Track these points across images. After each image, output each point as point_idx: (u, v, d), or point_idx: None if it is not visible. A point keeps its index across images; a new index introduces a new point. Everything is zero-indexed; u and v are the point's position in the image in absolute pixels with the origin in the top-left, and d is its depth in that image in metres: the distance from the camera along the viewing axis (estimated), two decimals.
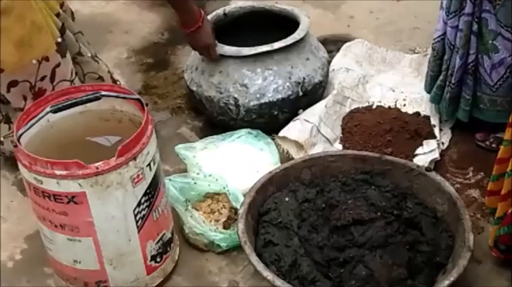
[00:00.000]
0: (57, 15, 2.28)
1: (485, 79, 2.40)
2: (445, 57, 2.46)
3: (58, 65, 2.21)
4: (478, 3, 2.27)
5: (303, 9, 2.82)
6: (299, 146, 2.48)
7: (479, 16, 2.29)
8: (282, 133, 2.51)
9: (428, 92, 2.61)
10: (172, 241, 2.10)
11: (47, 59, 2.18)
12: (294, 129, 2.51)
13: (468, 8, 2.28)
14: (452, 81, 2.43)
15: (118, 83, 2.48)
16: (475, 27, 2.31)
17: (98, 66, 2.42)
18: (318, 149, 2.45)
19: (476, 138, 2.55)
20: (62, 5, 2.33)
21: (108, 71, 2.48)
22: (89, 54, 2.40)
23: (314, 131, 2.51)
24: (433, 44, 2.51)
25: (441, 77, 2.50)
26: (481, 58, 2.37)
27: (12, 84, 2.19)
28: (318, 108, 2.59)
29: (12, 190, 2.50)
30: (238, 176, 2.28)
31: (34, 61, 2.16)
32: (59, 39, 2.23)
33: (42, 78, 2.19)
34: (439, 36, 2.47)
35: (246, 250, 1.93)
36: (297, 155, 2.43)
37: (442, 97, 2.52)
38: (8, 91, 2.19)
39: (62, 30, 2.28)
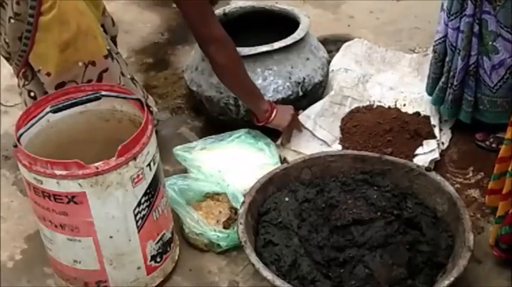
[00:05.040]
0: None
1: (485, 80, 2.39)
2: (447, 59, 2.46)
3: (106, 70, 2.17)
4: (479, 4, 2.26)
5: (303, 9, 2.82)
6: (295, 149, 2.49)
7: (480, 17, 2.29)
8: (278, 142, 2.51)
9: (430, 94, 2.61)
10: (172, 241, 2.10)
11: (93, 63, 2.14)
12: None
13: (469, 10, 2.28)
14: (454, 83, 2.43)
15: (150, 109, 2.45)
16: (476, 28, 2.30)
17: (134, 87, 2.39)
18: (315, 151, 2.43)
19: (476, 138, 2.55)
20: (104, 12, 2.32)
21: (143, 96, 2.48)
22: (129, 76, 2.38)
23: (307, 137, 2.53)
24: (434, 46, 2.51)
25: (443, 79, 2.50)
26: (481, 59, 2.36)
27: (60, 86, 2.14)
28: (313, 111, 2.59)
29: (12, 190, 2.50)
30: (238, 176, 2.28)
31: (80, 63, 2.12)
32: (108, 47, 2.20)
33: (89, 81, 2.15)
34: (440, 38, 2.46)
35: (246, 250, 1.93)
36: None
37: (444, 99, 2.52)
38: None
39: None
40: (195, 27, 2.23)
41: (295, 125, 2.52)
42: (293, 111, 2.48)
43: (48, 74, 2.12)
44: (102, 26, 2.30)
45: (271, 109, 2.42)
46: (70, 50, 2.09)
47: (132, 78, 2.42)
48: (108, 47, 2.20)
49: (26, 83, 2.20)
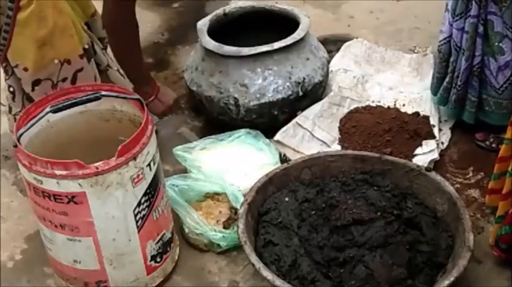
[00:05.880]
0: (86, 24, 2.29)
1: (491, 81, 2.39)
2: (451, 59, 2.46)
3: (80, 69, 2.17)
4: (484, 5, 2.26)
5: (303, 9, 2.82)
6: (295, 148, 2.49)
7: (485, 18, 2.29)
8: (276, 137, 2.51)
9: (435, 94, 2.61)
10: (172, 241, 2.10)
11: (68, 62, 2.14)
12: (287, 136, 2.52)
13: (474, 10, 2.28)
14: (458, 83, 2.43)
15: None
16: (480, 29, 2.30)
17: (124, 81, 2.41)
18: (314, 151, 2.44)
19: (476, 138, 2.55)
20: (93, 15, 2.34)
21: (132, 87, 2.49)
22: (115, 68, 2.40)
23: (307, 137, 2.53)
24: (439, 46, 2.51)
25: (447, 79, 2.50)
26: (487, 60, 2.36)
27: (36, 83, 2.15)
28: (312, 113, 2.60)
29: (12, 190, 2.50)
30: (238, 176, 2.28)
31: (56, 61, 2.13)
32: (86, 46, 2.21)
33: (64, 80, 2.16)
34: (445, 39, 2.46)
35: (246, 250, 1.93)
36: (294, 158, 2.43)
37: (448, 99, 2.52)
38: (33, 90, 2.16)
39: (92, 42, 2.28)
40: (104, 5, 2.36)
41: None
42: (170, 104, 2.67)
43: (26, 69, 2.13)
44: (88, 25, 2.30)
45: (149, 96, 2.56)
46: (46, 47, 2.10)
47: (118, 70, 2.43)
48: (87, 46, 2.21)
49: (6, 77, 2.22)
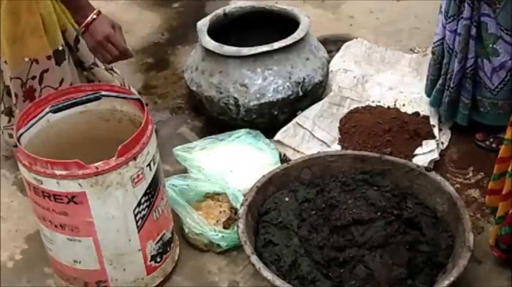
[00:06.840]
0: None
1: (485, 83, 2.39)
2: (444, 61, 2.46)
3: (46, 70, 2.22)
4: (477, 7, 2.26)
5: (303, 9, 2.82)
6: (295, 148, 2.49)
7: (478, 20, 2.29)
8: (276, 137, 2.51)
9: (428, 95, 2.61)
10: (172, 241, 2.10)
11: (37, 61, 2.20)
12: (287, 136, 2.52)
13: (466, 12, 2.28)
14: (451, 85, 2.43)
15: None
16: (473, 31, 2.30)
17: (112, 79, 2.43)
18: (314, 151, 2.44)
19: (476, 138, 2.55)
20: None
21: (122, 84, 2.49)
22: (103, 67, 2.41)
23: (307, 137, 2.52)
24: (432, 48, 2.51)
25: (440, 81, 2.50)
26: (481, 62, 2.36)
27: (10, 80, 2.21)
28: (313, 113, 2.60)
29: (12, 189, 2.50)
30: (238, 176, 2.28)
31: (26, 59, 2.18)
32: (60, 47, 2.24)
33: (33, 78, 2.22)
34: (438, 40, 2.46)
35: (246, 250, 1.93)
36: (294, 158, 2.43)
37: (442, 101, 2.52)
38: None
39: (76, 40, 2.30)
40: None
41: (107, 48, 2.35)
42: (104, 36, 2.30)
43: (6, 62, 2.19)
44: (76, 35, 2.32)
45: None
46: (17, 44, 2.15)
47: (110, 69, 2.45)
48: (60, 47, 2.23)
49: None
